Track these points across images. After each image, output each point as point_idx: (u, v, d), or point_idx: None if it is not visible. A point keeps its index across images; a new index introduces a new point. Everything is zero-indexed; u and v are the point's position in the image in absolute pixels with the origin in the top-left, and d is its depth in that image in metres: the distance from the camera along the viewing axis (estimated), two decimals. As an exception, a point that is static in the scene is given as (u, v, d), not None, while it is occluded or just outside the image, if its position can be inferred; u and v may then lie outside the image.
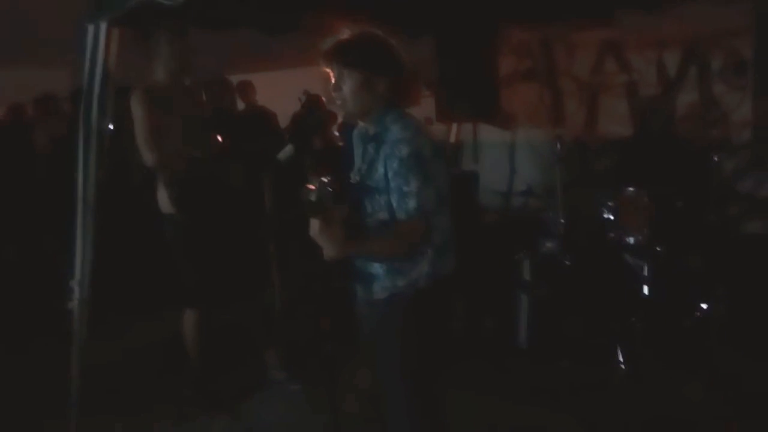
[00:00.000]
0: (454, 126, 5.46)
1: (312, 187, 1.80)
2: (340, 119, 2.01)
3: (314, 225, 1.80)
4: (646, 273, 3.75)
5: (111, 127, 3.21)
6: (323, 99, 1.92)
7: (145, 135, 3.06)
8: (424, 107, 4.86)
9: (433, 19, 4.50)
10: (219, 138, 3.33)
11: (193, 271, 3.21)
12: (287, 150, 2.09)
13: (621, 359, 3.53)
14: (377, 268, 1.94)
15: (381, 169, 1.88)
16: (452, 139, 5.46)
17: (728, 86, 4.74)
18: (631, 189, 3.86)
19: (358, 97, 1.89)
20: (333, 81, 1.91)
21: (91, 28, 3.07)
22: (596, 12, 4.47)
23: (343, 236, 1.80)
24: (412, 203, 1.83)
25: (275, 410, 3.04)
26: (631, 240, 3.81)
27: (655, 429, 2.94)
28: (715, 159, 4.09)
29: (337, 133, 5.21)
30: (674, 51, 4.96)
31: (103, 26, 3.03)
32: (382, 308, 1.95)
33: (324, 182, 1.80)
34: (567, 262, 3.77)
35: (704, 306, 3.70)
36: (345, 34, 1.91)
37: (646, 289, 3.74)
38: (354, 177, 2.00)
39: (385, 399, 2.01)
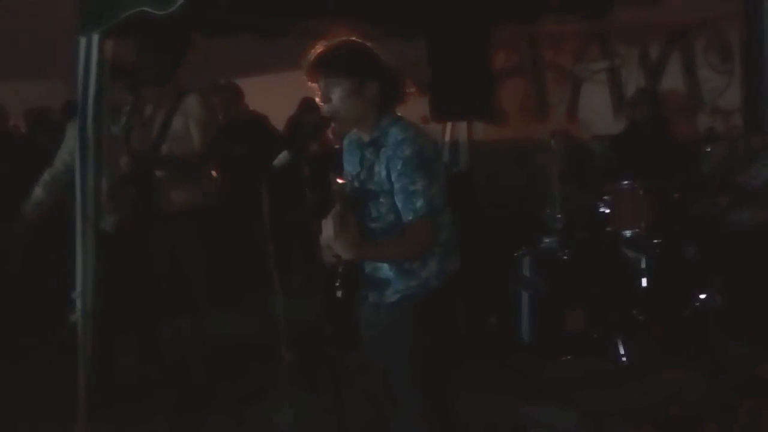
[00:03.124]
0: (449, 125, 5.47)
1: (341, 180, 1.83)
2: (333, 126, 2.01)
3: (327, 229, 1.80)
4: (644, 265, 3.77)
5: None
6: (319, 103, 1.93)
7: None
8: (419, 107, 4.87)
9: (425, 20, 4.51)
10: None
11: (204, 271, 3.26)
12: (283, 156, 2.10)
13: (622, 352, 3.56)
14: (387, 272, 1.94)
15: (383, 172, 1.89)
16: (447, 137, 5.47)
17: (714, 71, 4.73)
18: (626, 182, 3.89)
19: (349, 104, 1.89)
20: (321, 94, 1.91)
21: (83, 41, 3.08)
22: (591, 11, 4.49)
23: (358, 239, 1.82)
24: (419, 202, 1.83)
25: (283, 415, 3.05)
26: (628, 233, 3.83)
27: (657, 420, 2.96)
28: (708, 150, 4.13)
29: (331, 136, 5.20)
30: (661, 39, 4.95)
31: (95, 38, 3.04)
32: (392, 311, 1.95)
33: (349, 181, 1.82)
34: (566, 257, 3.79)
35: (702, 296, 3.73)
36: (323, 45, 1.92)
37: (644, 282, 3.76)
38: (353, 183, 2.01)
39: (394, 402, 2.02)
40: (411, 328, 1.93)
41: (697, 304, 3.73)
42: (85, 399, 3.07)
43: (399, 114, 1.98)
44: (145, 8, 2.64)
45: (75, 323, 3.05)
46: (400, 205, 1.87)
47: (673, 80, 4.87)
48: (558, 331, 3.70)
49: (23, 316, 4.46)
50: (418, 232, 1.85)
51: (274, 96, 5.82)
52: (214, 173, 3.42)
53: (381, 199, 1.90)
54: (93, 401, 3.08)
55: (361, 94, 1.89)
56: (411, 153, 1.84)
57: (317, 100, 1.95)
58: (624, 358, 3.55)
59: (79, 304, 3.03)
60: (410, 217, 1.85)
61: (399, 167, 1.84)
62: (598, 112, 5.21)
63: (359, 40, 1.95)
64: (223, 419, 3.23)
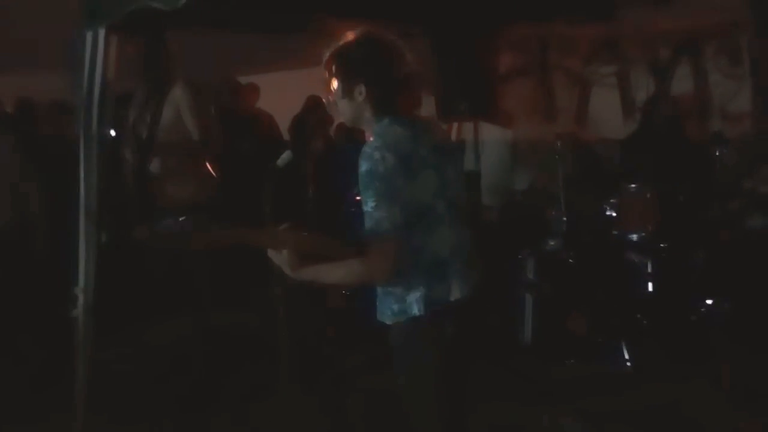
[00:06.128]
0: (455, 125, 5.44)
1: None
2: (337, 122, 1.98)
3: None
4: (650, 270, 3.73)
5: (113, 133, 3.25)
6: (324, 101, 1.91)
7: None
8: (426, 106, 4.84)
9: (432, 16, 4.49)
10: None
11: (206, 271, 3.24)
12: (285, 156, 2.08)
13: (626, 356, 3.52)
14: (377, 290, 1.84)
15: None
16: (453, 138, 5.45)
17: (724, 76, 4.70)
18: (633, 185, 3.85)
19: (342, 105, 1.85)
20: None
21: (89, 35, 3.07)
22: (597, 12, 4.46)
23: (292, 259, 1.75)
24: (368, 223, 1.71)
25: (282, 413, 3.04)
26: (635, 237, 3.80)
27: (661, 426, 2.93)
28: (717, 153, 4.08)
29: (332, 136, 5.20)
30: (672, 43, 4.93)
31: (102, 33, 3.03)
32: (391, 334, 1.84)
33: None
34: (571, 260, 3.75)
35: (709, 302, 3.69)
36: (339, 41, 1.85)
37: (650, 286, 3.73)
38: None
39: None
40: (402, 358, 1.83)
41: (704, 309, 3.70)
42: (84, 395, 3.06)
43: (398, 118, 1.81)
44: (152, 3, 2.63)
45: (76, 318, 3.03)
46: None
47: (682, 85, 4.84)
48: (561, 334, 3.67)
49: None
50: (369, 254, 1.71)
51: (284, 94, 5.80)
52: (210, 168, 3.41)
53: None
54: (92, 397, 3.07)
55: (351, 97, 1.82)
56: (365, 170, 1.70)
57: (323, 99, 1.91)
58: (628, 363, 3.51)
59: (80, 299, 3.02)
60: (366, 238, 1.72)
61: (359, 184, 1.74)
62: (606, 116, 5.17)
63: (374, 37, 1.83)
64: (225, 417, 3.21)
